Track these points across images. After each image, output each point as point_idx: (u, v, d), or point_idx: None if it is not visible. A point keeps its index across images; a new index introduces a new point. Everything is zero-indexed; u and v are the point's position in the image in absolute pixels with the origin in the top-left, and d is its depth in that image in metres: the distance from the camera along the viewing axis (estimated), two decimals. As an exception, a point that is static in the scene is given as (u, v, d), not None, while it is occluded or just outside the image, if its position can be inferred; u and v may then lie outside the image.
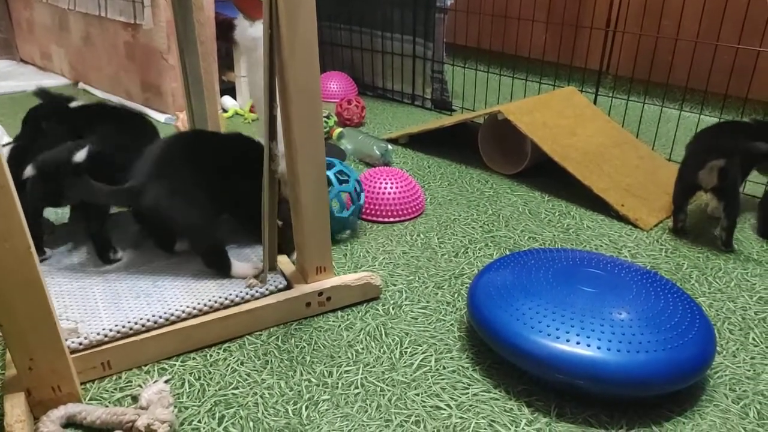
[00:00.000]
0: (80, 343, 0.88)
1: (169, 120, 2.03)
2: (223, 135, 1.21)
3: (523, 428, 0.82)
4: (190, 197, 1.00)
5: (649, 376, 0.82)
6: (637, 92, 2.12)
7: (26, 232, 0.72)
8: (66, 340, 0.87)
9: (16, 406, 0.78)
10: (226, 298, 0.99)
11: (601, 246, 1.29)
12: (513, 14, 2.16)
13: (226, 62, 2.17)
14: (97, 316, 0.94)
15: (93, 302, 0.97)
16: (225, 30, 1.92)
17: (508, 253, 1.26)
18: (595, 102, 1.90)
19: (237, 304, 1.00)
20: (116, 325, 0.91)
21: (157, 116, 2.07)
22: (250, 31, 0.99)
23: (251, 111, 2.12)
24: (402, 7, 2.17)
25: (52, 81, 2.51)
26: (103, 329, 0.90)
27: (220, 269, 1.04)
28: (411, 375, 0.91)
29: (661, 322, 0.88)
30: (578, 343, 0.84)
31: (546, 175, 1.61)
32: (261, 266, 1.04)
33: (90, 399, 0.86)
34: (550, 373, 0.84)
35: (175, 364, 0.93)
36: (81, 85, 2.43)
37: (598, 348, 0.83)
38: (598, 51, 2.12)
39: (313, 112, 0.94)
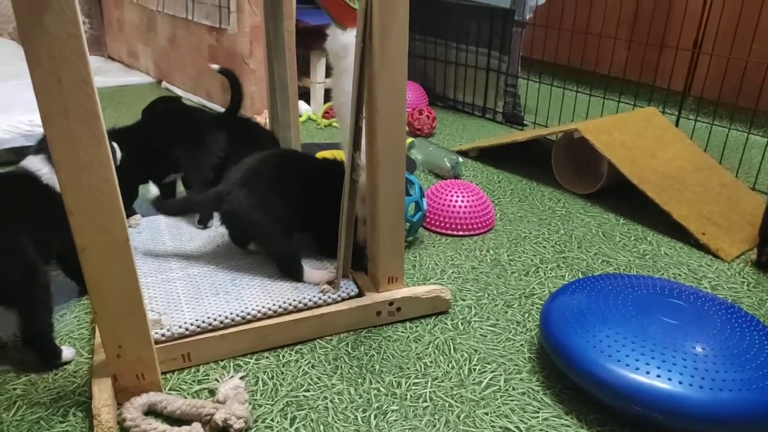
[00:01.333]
0: (162, 335, 0.92)
1: (245, 121, 2.09)
2: (317, 159, 1.20)
3: (595, 458, 0.80)
4: (270, 208, 1.05)
5: (733, 415, 0.79)
6: (722, 116, 2.04)
7: (126, 226, 0.75)
8: (150, 330, 0.91)
9: (104, 391, 0.82)
10: (300, 302, 1.01)
11: (680, 275, 1.25)
12: (594, 30, 2.11)
13: (302, 68, 2.22)
14: (179, 309, 0.97)
15: (176, 296, 1.01)
16: (303, 37, 1.97)
17: (580, 275, 1.23)
18: (676, 124, 1.84)
19: (310, 308, 1.02)
20: (197, 320, 0.95)
21: (235, 117, 2.13)
22: (342, 39, 1.01)
23: (324, 117, 2.16)
24: (479, 20, 2.17)
25: (137, 79, 2.63)
26: (185, 323, 0.94)
27: (293, 275, 1.07)
28: (480, 393, 0.91)
29: (746, 360, 0.84)
30: (658, 375, 0.81)
31: (621, 197, 1.57)
32: (332, 274, 1.06)
33: (169, 389, 0.90)
34: (627, 404, 0.82)
35: (249, 362, 0.96)
36: (164, 84, 2.53)
37: (680, 383, 0.80)
38: (683, 72, 2.05)
39: (398, 125, 0.95)
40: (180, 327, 0.93)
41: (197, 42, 2.25)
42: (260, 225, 1.05)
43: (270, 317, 0.99)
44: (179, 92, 2.42)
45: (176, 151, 1.25)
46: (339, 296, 1.04)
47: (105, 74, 2.67)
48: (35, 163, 0.99)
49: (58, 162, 0.70)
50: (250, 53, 2.03)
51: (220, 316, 0.96)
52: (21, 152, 1.64)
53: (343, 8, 1.00)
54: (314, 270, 1.08)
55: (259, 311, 0.98)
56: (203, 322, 0.95)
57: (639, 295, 0.97)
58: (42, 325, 0.92)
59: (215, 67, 1.41)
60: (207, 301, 1.00)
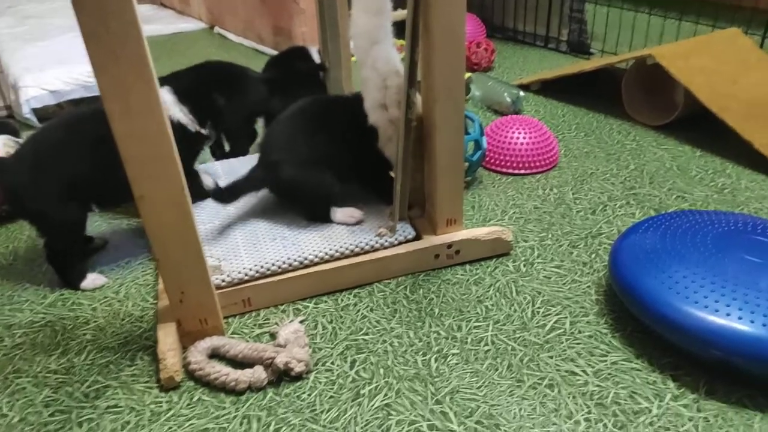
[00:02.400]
0: (222, 280, 0.93)
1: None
2: (344, 98, 1.16)
3: (668, 403, 0.76)
4: (315, 170, 1.04)
5: (824, 361, 0.73)
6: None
7: (181, 172, 0.75)
8: (210, 276, 0.92)
9: (169, 335, 0.84)
10: (357, 246, 1.00)
11: (762, 210, 1.15)
12: (669, -55, 1.92)
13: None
14: (238, 255, 0.98)
15: (234, 242, 1.02)
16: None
17: (653, 213, 1.16)
18: (761, 46, 1.67)
19: (367, 252, 1.00)
20: (255, 265, 0.95)
21: (287, 60, 2.10)
22: None
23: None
24: (541, -60, 2.01)
25: (190, 25, 2.62)
26: (244, 268, 0.94)
27: (322, 220, 1.07)
28: (544, 336, 0.88)
29: (841, 302, 0.77)
30: (740, 318, 0.76)
31: (698, 127, 1.45)
32: (358, 213, 1.05)
33: (231, 333, 0.91)
34: (705, 348, 0.77)
35: (308, 306, 0.96)
36: (216, 29, 2.51)
37: (764, 325, 0.75)
38: (770, -14, 1.85)
39: (457, 56, 0.89)
40: (239, 272, 0.94)
41: (247, -17, 2.20)
42: (310, 190, 1.05)
43: (327, 262, 0.98)
44: (231, 37, 2.40)
45: (216, 102, 1.21)
46: (396, 239, 1.02)
47: (157, 22, 2.67)
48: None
49: (110, 111, 0.69)
50: (300, -8, 1.97)
51: (278, 261, 0.96)
52: (80, 103, 1.68)
53: None
54: (342, 209, 1.07)
55: (316, 256, 0.98)
56: (262, 267, 0.95)
57: (718, 233, 0.90)
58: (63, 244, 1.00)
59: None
60: (265, 247, 1.00)
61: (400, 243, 1.02)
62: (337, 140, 1.05)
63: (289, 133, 1.07)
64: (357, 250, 1.00)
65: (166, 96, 1.06)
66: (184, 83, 1.08)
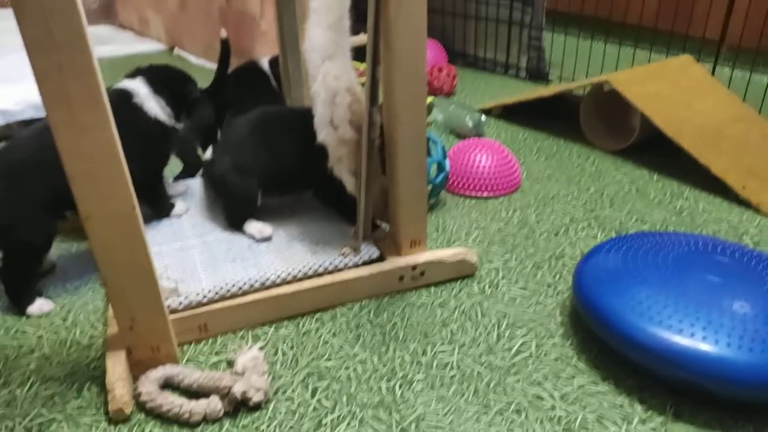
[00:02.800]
0: (180, 303, 0.89)
1: (259, 86, 2.04)
2: (296, 112, 1.14)
3: (635, 427, 0.75)
4: (243, 177, 1.06)
5: (786, 380, 0.73)
6: (760, 65, 1.92)
7: (131, 192, 0.71)
8: (167, 299, 0.88)
9: (118, 365, 0.79)
10: (319, 266, 0.97)
11: (719, 231, 1.17)
12: (623, -23, 2.00)
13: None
14: (196, 277, 0.94)
15: (192, 264, 0.98)
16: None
17: (613, 234, 1.17)
18: (713, 74, 1.73)
19: (330, 272, 0.97)
20: (214, 287, 0.91)
21: (248, 82, 2.07)
22: None
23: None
24: (500, -30, 2.06)
25: (149, 46, 2.58)
26: (202, 290, 0.91)
27: (235, 226, 1.09)
28: (510, 360, 0.86)
29: (800, 321, 0.78)
30: (704, 338, 0.76)
31: (654, 151, 1.48)
32: (268, 230, 1.05)
33: (186, 361, 0.86)
34: (670, 369, 0.77)
35: (268, 331, 0.92)
36: (176, 50, 2.48)
37: (727, 345, 0.75)
38: (718, 19, 1.93)
39: (417, 77, 0.89)
40: (198, 294, 0.90)
41: (207, 5, 2.18)
42: (229, 190, 1.07)
43: (288, 283, 0.95)
44: (191, 58, 2.37)
45: (192, 94, 1.18)
46: (360, 259, 1.00)
47: (116, 43, 2.62)
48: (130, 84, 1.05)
49: (53, 123, 0.65)
50: (261, 13, 1.96)
51: (238, 282, 0.92)
52: (31, 124, 1.61)
53: None
54: (253, 222, 1.07)
55: (278, 276, 0.95)
56: (221, 288, 0.91)
57: (679, 253, 0.91)
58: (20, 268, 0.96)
59: (223, 33, 1.39)
60: (224, 268, 0.96)
61: (364, 263, 1.00)
62: (282, 153, 1.05)
63: (233, 137, 1.11)
64: (320, 270, 0.97)
65: (141, 88, 1.04)
66: (157, 77, 1.06)
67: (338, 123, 0.93)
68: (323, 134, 0.95)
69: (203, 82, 1.23)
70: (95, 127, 0.66)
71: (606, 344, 0.85)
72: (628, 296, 0.82)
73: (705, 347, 0.75)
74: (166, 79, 1.07)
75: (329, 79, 0.91)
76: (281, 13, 1.19)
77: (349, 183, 0.98)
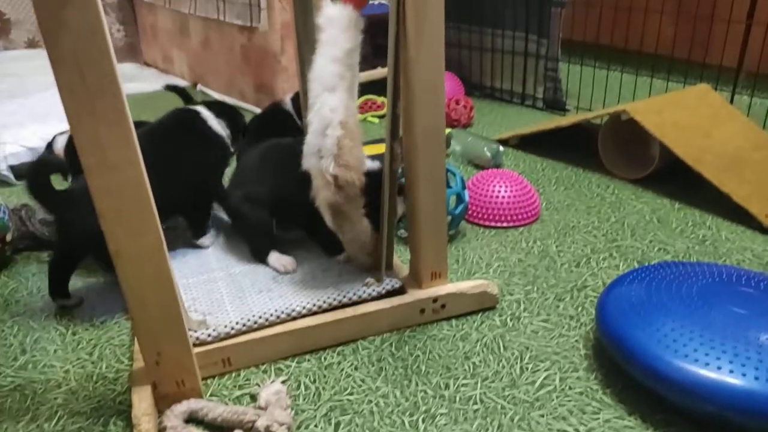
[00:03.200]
0: (209, 335, 0.90)
1: (280, 120, 2.08)
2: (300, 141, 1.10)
3: (664, 462, 0.74)
4: (257, 207, 1.11)
5: (819, 415, 0.71)
6: (779, 91, 1.91)
7: (159, 227, 0.73)
8: (196, 331, 0.89)
9: (144, 400, 0.80)
10: (344, 296, 0.99)
11: (744, 261, 1.16)
12: (638, 6, 2.01)
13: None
14: (223, 309, 0.96)
15: (219, 296, 1.00)
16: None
17: (636, 264, 1.16)
18: (731, 101, 1.73)
19: (354, 302, 0.99)
20: (242, 318, 0.93)
21: (269, 116, 2.12)
22: (327, 10, 0.91)
23: (359, 112, 2.11)
24: (515, 2, 2.09)
25: (173, 83, 2.64)
26: (230, 321, 0.92)
27: (258, 258, 1.12)
28: (534, 394, 0.85)
29: (831, 353, 0.76)
30: (731, 371, 0.74)
31: (674, 180, 1.48)
32: (291, 264, 1.08)
33: (210, 395, 0.87)
34: (697, 403, 0.75)
35: (290, 365, 0.92)
36: (199, 87, 2.54)
37: (756, 378, 0.73)
38: (736, 46, 1.93)
39: (436, 112, 0.90)
40: (226, 326, 0.91)
41: (230, 43, 2.24)
42: (246, 221, 1.13)
43: (314, 314, 0.96)
44: (214, 94, 2.42)
45: (242, 120, 1.32)
46: (383, 289, 1.00)
47: (141, 80, 2.69)
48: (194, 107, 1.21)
49: (86, 164, 0.67)
50: (282, 50, 2.01)
51: (265, 313, 0.94)
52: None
53: None
54: (275, 254, 1.10)
55: (303, 307, 0.96)
56: (248, 320, 0.93)
57: (703, 284, 0.90)
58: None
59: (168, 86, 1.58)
60: (251, 300, 0.98)
61: (387, 293, 1.01)
62: (288, 182, 1.04)
63: (243, 168, 1.19)
64: (344, 300, 0.99)
65: (205, 112, 1.19)
66: (215, 105, 1.24)
67: (324, 154, 0.92)
68: (308, 162, 0.94)
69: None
70: (125, 166, 0.69)
71: (631, 378, 0.84)
72: (653, 329, 0.82)
73: (732, 380, 0.74)
74: (222, 106, 1.24)
75: (325, 109, 0.91)
76: (301, 50, 1.22)
77: (326, 216, 0.98)
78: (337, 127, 0.91)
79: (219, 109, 1.22)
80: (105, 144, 0.67)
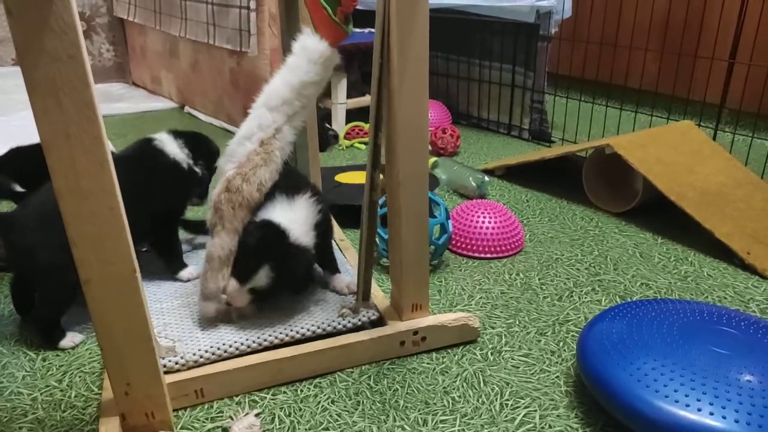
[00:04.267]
0: (176, 362, 0.88)
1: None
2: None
3: (643, 506, 0.72)
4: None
5: (799, 460, 0.71)
6: (761, 129, 1.94)
7: (133, 256, 0.71)
8: (163, 358, 0.87)
9: (111, 431, 0.77)
10: (318, 327, 0.97)
11: (725, 298, 1.16)
12: (624, 42, 2.05)
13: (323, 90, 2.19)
14: (194, 336, 0.94)
15: (190, 323, 0.98)
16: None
17: (618, 300, 1.15)
18: (714, 138, 1.76)
19: (329, 334, 0.97)
20: (211, 347, 0.91)
21: (256, 140, 2.11)
22: (302, 38, 0.94)
23: (346, 137, 2.12)
24: (503, 35, 2.12)
25: (161, 104, 2.64)
26: (199, 350, 0.90)
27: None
28: (513, 431, 0.83)
29: (811, 396, 0.76)
30: (711, 413, 0.74)
31: (657, 215, 1.49)
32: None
33: (181, 427, 0.84)
34: (678, 445, 0.74)
35: (265, 397, 0.90)
36: (187, 109, 2.53)
37: (736, 421, 0.73)
38: (719, 83, 1.97)
39: (420, 145, 0.90)
40: (194, 354, 0.89)
41: (218, 66, 2.24)
42: None
43: (286, 345, 0.94)
44: (201, 116, 2.42)
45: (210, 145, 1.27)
46: (359, 320, 0.99)
47: (129, 100, 2.69)
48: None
49: (59, 190, 0.66)
50: (271, 75, 2.01)
51: (235, 342, 0.92)
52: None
53: (324, 18, 0.90)
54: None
55: (275, 337, 0.94)
56: (218, 349, 0.91)
57: (685, 322, 0.90)
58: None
59: None
60: (223, 328, 0.96)
61: (363, 325, 0.99)
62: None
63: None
64: (318, 331, 0.97)
65: (163, 138, 1.14)
66: (182, 133, 1.18)
67: (232, 160, 0.98)
68: (220, 162, 1.01)
69: (215, 138, 1.25)
70: (99, 192, 0.67)
71: (612, 417, 0.83)
72: (633, 368, 0.81)
73: (713, 423, 0.73)
74: (190, 134, 1.19)
75: (255, 122, 0.97)
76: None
77: (209, 212, 1.00)
78: (255, 142, 0.96)
79: (185, 136, 1.17)
80: (79, 170, 0.66)
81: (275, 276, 0.93)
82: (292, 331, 0.95)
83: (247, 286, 0.93)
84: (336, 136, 1.37)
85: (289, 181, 1.02)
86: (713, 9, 2.01)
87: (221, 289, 0.96)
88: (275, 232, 0.94)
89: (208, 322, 0.97)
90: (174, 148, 1.13)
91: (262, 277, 0.93)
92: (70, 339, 1.02)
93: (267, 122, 0.96)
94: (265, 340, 0.93)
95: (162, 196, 1.11)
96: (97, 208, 0.67)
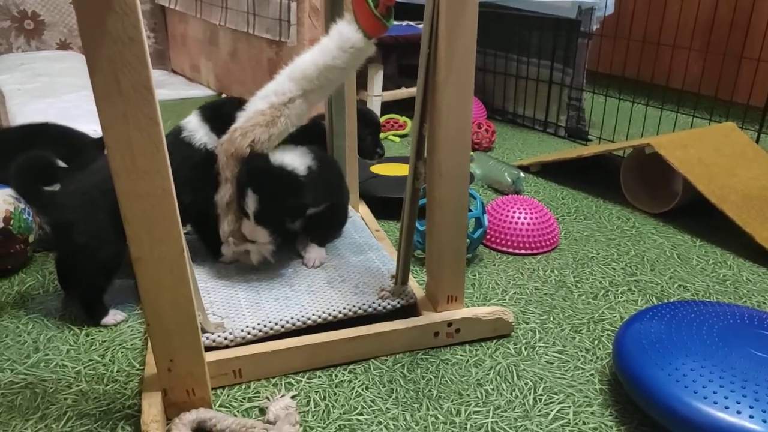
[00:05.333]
0: (225, 338, 0.91)
1: (302, 134, 2.09)
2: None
3: (678, 506, 0.72)
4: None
5: (841, 468, 0.69)
6: (806, 133, 1.89)
7: (182, 235, 0.73)
8: (213, 333, 0.90)
9: (153, 406, 0.80)
10: (359, 308, 1.00)
11: (765, 303, 1.14)
12: (667, 41, 2.01)
13: (360, 81, 2.20)
14: (240, 314, 0.97)
15: (236, 301, 1.01)
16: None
17: (655, 300, 1.14)
18: (757, 141, 1.72)
19: (370, 314, 1.00)
20: (258, 324, 0.94)
21: (291, 129, 2.13)
22: (342, 25, 0.95)
23: (381, 129, 2.12)
24: (542, 30, 2.10)
25: (199, 92, 2.68)
26: (247, 326, 0.93)
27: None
28: (546, 426, 0.84)
29: None
30: (751, 416, 0.73)
31: (696, 217, 1.46)
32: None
33: (219, 405, 0.87)
34: (716, 447, 0.74)
35: (301, 380, 0.92)
36: (224, 96, 2.57)
37: (776, 426, 0.72)
38: (764, 85, 1.92)
39: (462, 137, 0.90)
40: (242, 331, 0.92)
41: (257, 55, 2.26)
42: None
43: (327, 323, 0.97)
44: (238, 105, 2.45)
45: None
46: (398, 303, 1.01)
47: (168, 87, 2.73)
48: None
49: (115, 169, 0.68)
50: (309, 65, 2.03)
51: (281, 320, 0.95)
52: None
53: (365, 11, 0.91)
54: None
55: (319, 316, 0.97)
56: (265, 326, 0.93)
57: (724, 325, 0.89)
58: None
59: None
60: (267, 307, 0.99)
61: (402, 312, 1.01)
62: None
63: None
64: (360, 312, 1.00)
65: (192, 121, 1.13)
66: (208, 107, 1.15)
67: (243, 116, 1.03)
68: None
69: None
70: (153, 172, 0.69)
71: (648, 416, 0.82)
72: (671, 368, 0.80)
73: (752, 426, 0.72)
74: (213, 106, 1.15)
75: (272, 86, 1.02)
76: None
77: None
78: (265, 104, 1.00)
79: (213, 114, 1.13)
80: (135, 149, 0.68)
81: (264, 201, 1.00)
82: (334, 311, 0.98)
83: (249, 217, 1.01)
84: (383, 155, 1.37)
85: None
86: (761, 9, 1.96)
87: (231, 233, 1.04)
88: (259, 160, 1.02)
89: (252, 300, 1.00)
90: (202, 136, 1.11)
91: (252, 203, 1.00)
92: (112, 317, 1.05)
93: (282, 89, 1.00)
94: (309, 319, 0.96)
95: (195, 188, 1.08)
96: (150, 188, 0.69)
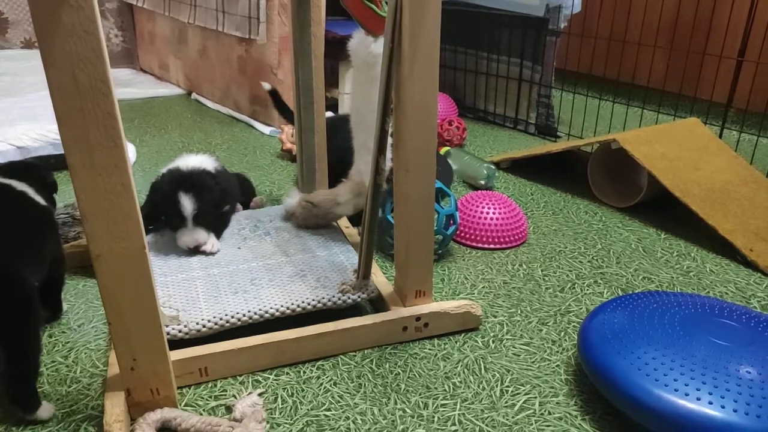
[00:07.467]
0: (179, 331, 0.90)
1: (273, 132, 2.08)
2: None
3: (640, 492, 0.73)
4: None
5: (796, 450, 0.71)
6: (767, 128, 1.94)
7: (143, 232, 0.72)
8: (167, 326, 0.89)
9: (116, 405, 0.79)
10: (319, 301, 0.99)
11: (727, 294, 1.17)
12: (632, 39, 2.05)
13: (331, 80, 2.19)
14: (197, 307, 0.96)
15: (194, 294, 1.00)
16: (332, 48, 1.95)
17: (620, 292, 1.16)
18: (720, 136, 1.75)
19: (329, 309, 1.00)
20: (214, 317, 0.93)
21: (263, 128, 2.12)
22: (373, 47, 0.99)
23: (352, 127, 2.12)
24: (511, 29, 2.12)
25: (168, 91, 2.64)
26: (202, 319, 0.92)
27: None
28: (513, 417, 0.84)
29: (809, 389, 0.76)
30: (710, 402, 0.74)
31: (661, 211, 1.49)
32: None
33: (185, 405, 0.86)
34: (676, 433, 0.75)
35: (269, 378, 0.91)
36: (194, 95, 2.54)
37: (734, 411, 0.73)
38: (726, 82, 1.96)
39: (428, 131, 0.91)
40: (197, 324, 0.91)
41: (227, 53, 2.24)
42: None
43: (284, 317, 0.97)
44: (208, 103, 2.42)
45: None
46: (359, 297, 1.01)
47: (136, 86, 2.69)
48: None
49: (72, 165, 0.67)
50: (279, 63, 2.02)
51: (237, 314, 0.94)
52: (48, 160, 1.64)
53: (373, 16, 0.97)
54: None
55: (276, 310, 0.96)
56: (220, 319, 0.93)
57: (686, 314, 0.90)
58: (32, 366, 0.80)
59: (266, 86, 1.67)
60: (225, 300, 0.98)
61: (362, 301, 1.02)
62: None
63: None
64: (319, 306, 0.99)
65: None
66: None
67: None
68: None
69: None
70: (112, 168, 0.68)
71: (611, 405, 0.83)
72: (633, 357, 0.82)
73: (711, 412, 0.74)
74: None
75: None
76: (297, 63, 1.22)
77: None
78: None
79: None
80: (93, 145, 0.66)
81: (197, 198, 1.12)
82: (293, 304, 0.97)
83: (187, 222, 1.12)
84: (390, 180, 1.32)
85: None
86: (723, 7, 2.01)
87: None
88: (174, 172, 1.17)
89: (211, 294, 0.99)
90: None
91: (187, 203, 1.11)
92: (47, 409, 0.82)
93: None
94: (266, 312, 0.96)
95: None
96: (109, 184, 0.68)
